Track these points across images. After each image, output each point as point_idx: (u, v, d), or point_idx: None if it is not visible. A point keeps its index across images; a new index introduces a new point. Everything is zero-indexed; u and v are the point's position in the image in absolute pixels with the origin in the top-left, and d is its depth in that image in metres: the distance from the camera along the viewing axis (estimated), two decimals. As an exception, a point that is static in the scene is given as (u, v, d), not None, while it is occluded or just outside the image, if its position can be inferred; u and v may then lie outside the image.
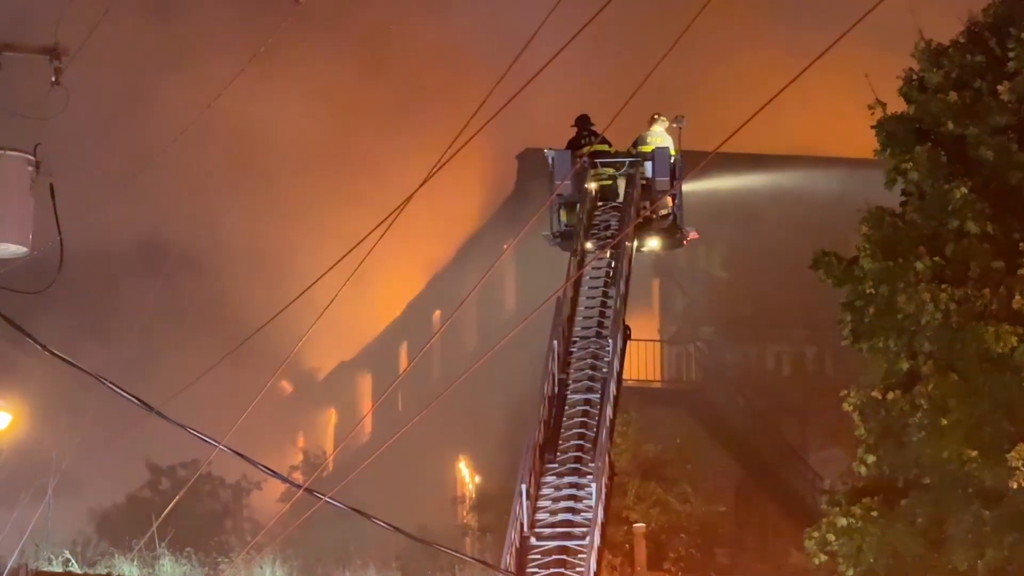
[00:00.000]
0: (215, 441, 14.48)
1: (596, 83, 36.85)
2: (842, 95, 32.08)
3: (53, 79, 14.17)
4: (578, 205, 25.15)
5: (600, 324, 23.10)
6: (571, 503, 20.28)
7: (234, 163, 55.22)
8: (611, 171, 25.60)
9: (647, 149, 25.47)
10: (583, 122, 25.68)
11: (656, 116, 25.63)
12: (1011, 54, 20.58)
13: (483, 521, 34.08)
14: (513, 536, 19.68)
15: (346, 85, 55.16)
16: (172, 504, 21.59)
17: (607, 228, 24.84)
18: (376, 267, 25.96)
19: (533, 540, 19.88)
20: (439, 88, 50.98)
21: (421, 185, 16.42)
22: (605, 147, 25.27)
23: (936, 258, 20.04)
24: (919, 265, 19.96)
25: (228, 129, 53.69)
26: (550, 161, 25.39)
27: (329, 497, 15.81)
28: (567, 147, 25.81)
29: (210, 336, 46.33)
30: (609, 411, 21.25)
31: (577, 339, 22.93)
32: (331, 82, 55.51)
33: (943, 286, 19.55)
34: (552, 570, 19.49)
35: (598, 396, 21.64)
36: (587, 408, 21.59)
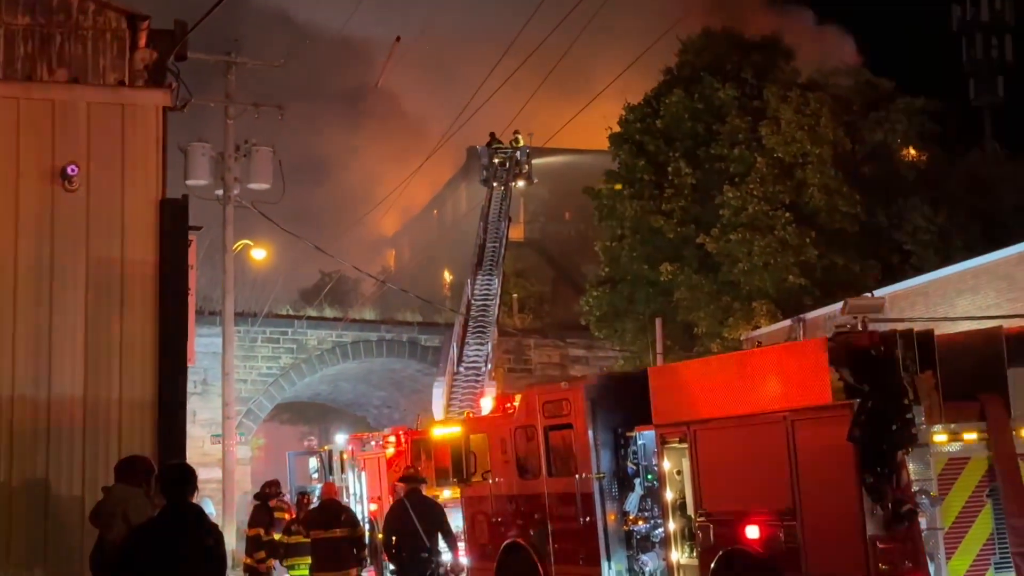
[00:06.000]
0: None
1: (508, 106, 36.09)
2: (601, 115, 35.80)
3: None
4: (490, 168, 38.01)
5: (499, 215, 35.96)
6: (487, 288, 33.22)
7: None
8: (504, 155, 38.15)
9: (519, 145, 38.36)
10: (492, 136, 38.26)
11: (516, 133, 37.85)
12: (696, 95, 32.64)
13: (453, 294, 47.59)
14: (466, 297, 33.06)
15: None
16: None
17: (503, 177, 37.89)
18: (409, 194, 41.09)
19: (474, 302, 32.91)
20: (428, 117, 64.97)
21: (420, 167, 33.46)
22: (502, 144, 37.61)
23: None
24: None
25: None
26: (479, 150, 38.79)
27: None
28: (487, 144, 38.37)
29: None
30: (502, 249, 34.48)
31: (491, 221, 35.65)
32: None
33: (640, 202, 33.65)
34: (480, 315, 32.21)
35: (498, 244, 34.57)
36: (495, 246, 34.43)
